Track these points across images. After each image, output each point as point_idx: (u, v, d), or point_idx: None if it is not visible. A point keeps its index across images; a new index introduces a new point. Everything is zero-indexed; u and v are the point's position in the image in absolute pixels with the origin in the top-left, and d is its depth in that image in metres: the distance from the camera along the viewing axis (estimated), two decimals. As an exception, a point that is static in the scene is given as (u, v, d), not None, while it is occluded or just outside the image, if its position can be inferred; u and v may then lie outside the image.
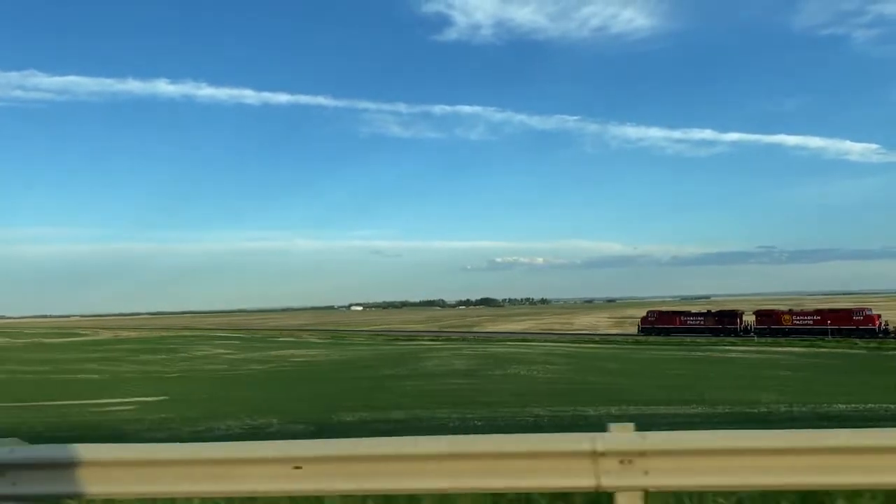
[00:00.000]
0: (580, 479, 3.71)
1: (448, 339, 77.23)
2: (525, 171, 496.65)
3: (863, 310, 64.58)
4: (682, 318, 75.17)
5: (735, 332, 68.73)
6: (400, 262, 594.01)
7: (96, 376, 37.89)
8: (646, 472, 3.68)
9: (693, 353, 49.92)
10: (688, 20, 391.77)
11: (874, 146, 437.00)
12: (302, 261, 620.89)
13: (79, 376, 37.96)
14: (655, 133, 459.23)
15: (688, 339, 66.10)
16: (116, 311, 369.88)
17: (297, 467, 3.89)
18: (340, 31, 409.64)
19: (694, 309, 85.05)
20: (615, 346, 62.88)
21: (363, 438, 3.94)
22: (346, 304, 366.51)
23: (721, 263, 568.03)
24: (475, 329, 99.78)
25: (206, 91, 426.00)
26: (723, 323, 71.19)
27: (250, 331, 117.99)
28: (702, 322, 73.14)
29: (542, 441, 3.85)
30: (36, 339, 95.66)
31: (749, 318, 70.85)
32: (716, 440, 3.76)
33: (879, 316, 62.96)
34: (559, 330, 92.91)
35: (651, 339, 68.54)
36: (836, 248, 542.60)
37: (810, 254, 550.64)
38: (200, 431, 15.43)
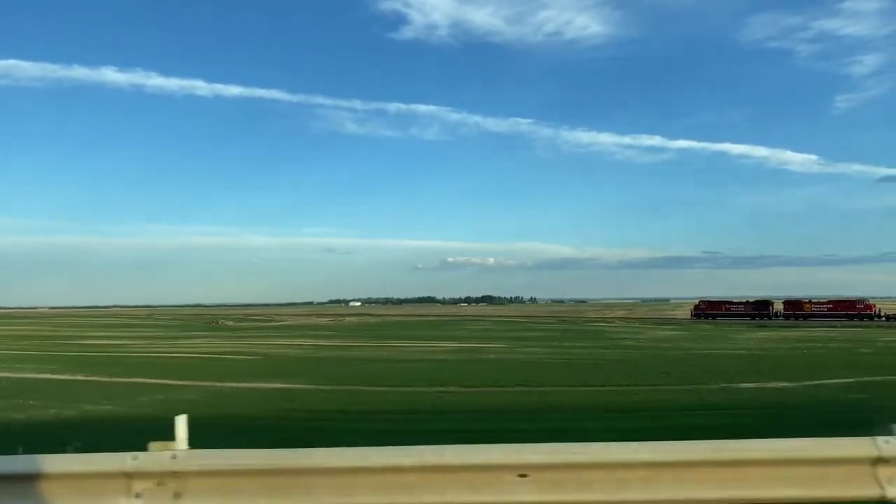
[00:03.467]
0: (114, 502, 3.53)
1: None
2: (479, 172, 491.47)
3: (864, 300, 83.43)
4: (726, 305, 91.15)
5: (768, 317, 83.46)
6: (352, 259, 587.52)
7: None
8: (177, 495, 3.51)
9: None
10: (640, 29, 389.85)
11: (814, 157, 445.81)
12: (251, 257, 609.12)
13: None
14: (606, 138, 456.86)
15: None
16: (71, 304, 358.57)
17: None
18: (296, 24, 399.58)
19: (735, 299, 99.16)
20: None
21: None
22: (309, 300, 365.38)
23: (667, 267, 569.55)
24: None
25: (156, 81, 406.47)
26: (758, 310, 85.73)
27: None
28: (742, 309, 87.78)
29: (79, 461, 3.64)
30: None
31: (778, 306, 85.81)
32: (257, 460, 3.60)
33: (875, 305, 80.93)
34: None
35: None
36: (776, 254, 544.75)
37: (752, 260, 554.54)
38: None
